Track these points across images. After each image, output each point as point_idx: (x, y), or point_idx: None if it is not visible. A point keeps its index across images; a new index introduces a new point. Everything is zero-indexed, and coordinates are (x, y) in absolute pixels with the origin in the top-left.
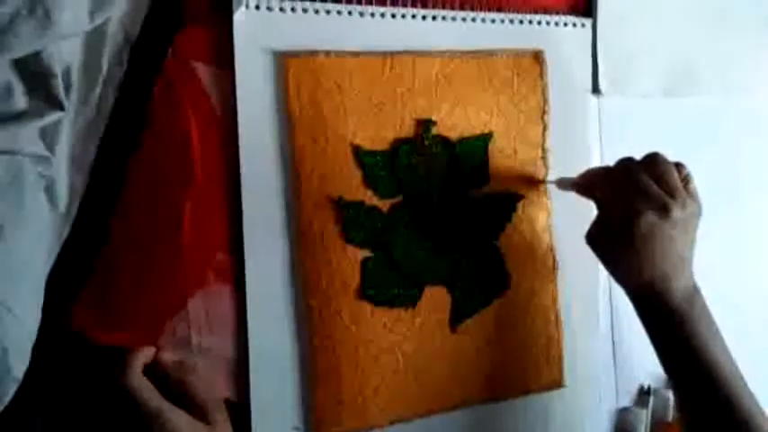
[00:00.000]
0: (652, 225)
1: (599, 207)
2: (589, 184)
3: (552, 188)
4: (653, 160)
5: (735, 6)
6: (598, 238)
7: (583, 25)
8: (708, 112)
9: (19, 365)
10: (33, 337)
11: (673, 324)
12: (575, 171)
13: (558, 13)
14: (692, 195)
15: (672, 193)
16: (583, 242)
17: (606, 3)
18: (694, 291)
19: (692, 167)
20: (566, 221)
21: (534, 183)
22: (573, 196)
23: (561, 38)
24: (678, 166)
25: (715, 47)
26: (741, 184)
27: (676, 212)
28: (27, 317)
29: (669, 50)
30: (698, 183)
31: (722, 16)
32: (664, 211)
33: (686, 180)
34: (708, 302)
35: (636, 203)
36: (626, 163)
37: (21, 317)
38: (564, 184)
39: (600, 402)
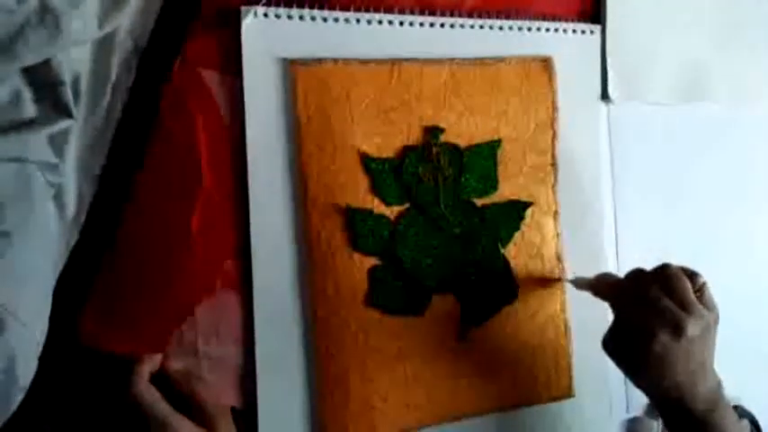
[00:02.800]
0: (667, 346)
1: (614, 313)
2: (603, 291)
3: (561, 194)
4: (665, 273)
5: (744, 13)
6: (614, 349)
7: (592, 32)
8: (718, 119)
9: (26, 373)
10: (40, 345)
11: (696, 429)
12: (584, 180)
13: (566, 20)
14: (708, 305)
15: (686, 308)
16: (591, 251)
17: (615, 9)
18: (717, 389)
19: (701, 175)
20: (574, 229)
21: (551, 281)
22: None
23: (570, 45)
24: (692, 276)
25: (725, 54)
26: (751, 192)
27: (691, 329)
28: (34, 325)
29: (679, 57)
30: (707, 190)
31: (732, 23)
32: (678, 329)
33: (701, 290)
34: (720, 308)
35: (649, 323)
36: (637, 276)
37: (28, 325)
38: (580, 284)
39: (610, 412)
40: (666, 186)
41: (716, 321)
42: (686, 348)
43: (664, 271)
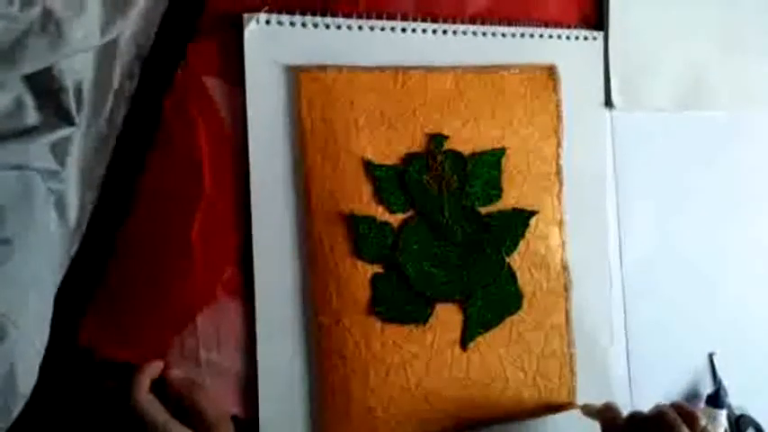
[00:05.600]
0: None
1: None
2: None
3: (566, 205)
4: (662, 420)
5: (747, 20)
6: None
7: (594, 38)
8: (720, 126)
9: (26, 381)
10: (41, 352)
11: None
12: (588, 188)
13: (569, 26)
14: None
15: None
16: (596, 260)
17: (618, 16)
18: None
19: (704, 181)
20: (580, 239)
21: (562, 408)
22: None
23: (573, 52)
24: (692, 419)
25: (728, 61)
26: (754, 199)
27: None
28: (35, 332)
29: (682, 64)
30: (711, 196)
31: (734, 30)
32: None
33: None
34: (724, 314)
35: None
36: (635, 423)
37: (29, 332)
38: (589, 412)
39: None
40: (670, 193)
41: None
42: None
43: (660, 419)
